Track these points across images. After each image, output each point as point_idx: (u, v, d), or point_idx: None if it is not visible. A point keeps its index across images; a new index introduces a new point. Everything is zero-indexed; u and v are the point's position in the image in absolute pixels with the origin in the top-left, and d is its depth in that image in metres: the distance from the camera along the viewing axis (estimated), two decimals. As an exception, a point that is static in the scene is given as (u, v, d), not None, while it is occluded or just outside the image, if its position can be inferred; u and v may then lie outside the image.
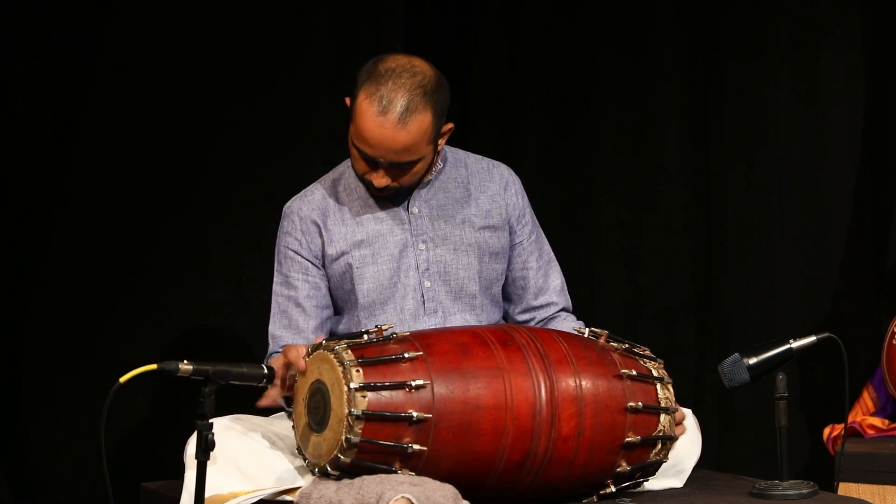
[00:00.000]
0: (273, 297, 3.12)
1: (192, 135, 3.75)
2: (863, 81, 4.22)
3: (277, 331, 3.11)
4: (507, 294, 3.26)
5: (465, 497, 2.65)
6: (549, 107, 4.32)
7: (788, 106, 4.26)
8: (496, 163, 3.26)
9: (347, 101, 3.01)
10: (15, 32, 3.56)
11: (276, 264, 3.14)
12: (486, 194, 3.19)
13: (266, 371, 2.65)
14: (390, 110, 2.92)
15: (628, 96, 4.32)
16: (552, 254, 3.30)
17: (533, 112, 4.31)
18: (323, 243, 3.09)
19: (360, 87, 2.95)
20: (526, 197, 3.26)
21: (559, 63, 4.32)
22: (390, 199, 3.09)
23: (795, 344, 2.94)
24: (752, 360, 2.93)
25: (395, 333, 2.75)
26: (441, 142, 3.05)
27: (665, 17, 4.31)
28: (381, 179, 2.99)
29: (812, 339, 2.95)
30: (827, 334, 2.98)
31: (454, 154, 3.21)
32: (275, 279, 3.13)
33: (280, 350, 3.03)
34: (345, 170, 3.16)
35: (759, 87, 4.27)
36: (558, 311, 3.26)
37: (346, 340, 2.71)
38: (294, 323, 3.09)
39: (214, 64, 3.76)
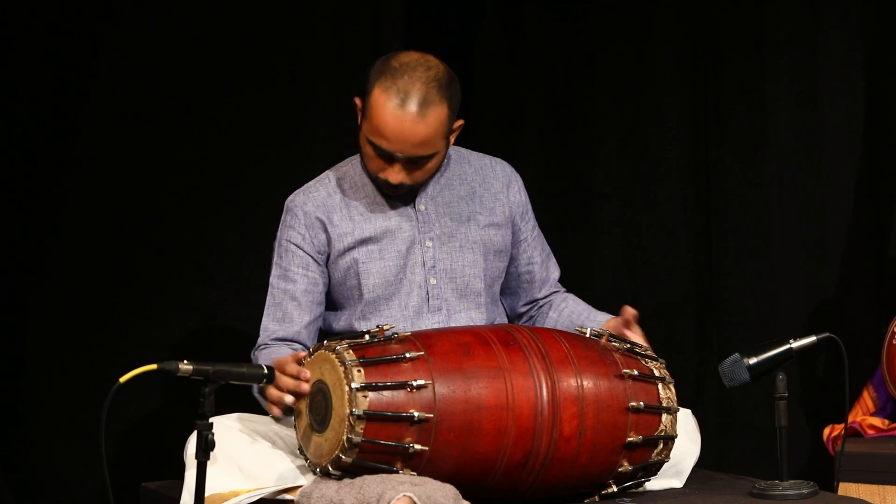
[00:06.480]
0: (269, 289, 3.11)
1: (192, 135, 3.74)
2: (863, 81, 4.22)
3: (270, 324, 3.09)
4: (512, 289, 3.27)
5: (466, 497, 2.65)
6: (549, 107, 4.32)
7: (788, 105, 4.25)
8: (497, 160, 3.27)
9: (357, 101, 3.01)
10: (15, 31, 3.55)
11: (275, 257, 3.12)
12: (490, 192, 3.19)
13: (266, 371, 2.64)
14: (408, 103, 2.92)
15: (628, 96, 4.32)
16: (548, 246, 3.32)
17: (533, 112, 4.30)
18: (329, 239, 3.08)
19: (373, 84, 2.95)
20: (526, 192, 3.26)
21: (559, 63, 4.32)
22: (399, 196, 3.09)
23: (795, 344, 2.93)
24: (752, 360, 2.92)
25: (397, 333, 2.75)
26: (452, 138, 3.05)
27: (665, 17, 4.31)
28: (396, 175, 2.98)
29: (812, 339, 2.95)
30: (827, 334, 2.98)
31: (457, 152, 3.21)
32: (273, 272, 3.12)
33: (269, 344, 3.05)
34: (349, 168, 3.15)
35: (758, 87, 4.27)
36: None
37: (347, 340, 2.71)
38: (288, 316, 3.08)
39: (214, 64, 3.76)
